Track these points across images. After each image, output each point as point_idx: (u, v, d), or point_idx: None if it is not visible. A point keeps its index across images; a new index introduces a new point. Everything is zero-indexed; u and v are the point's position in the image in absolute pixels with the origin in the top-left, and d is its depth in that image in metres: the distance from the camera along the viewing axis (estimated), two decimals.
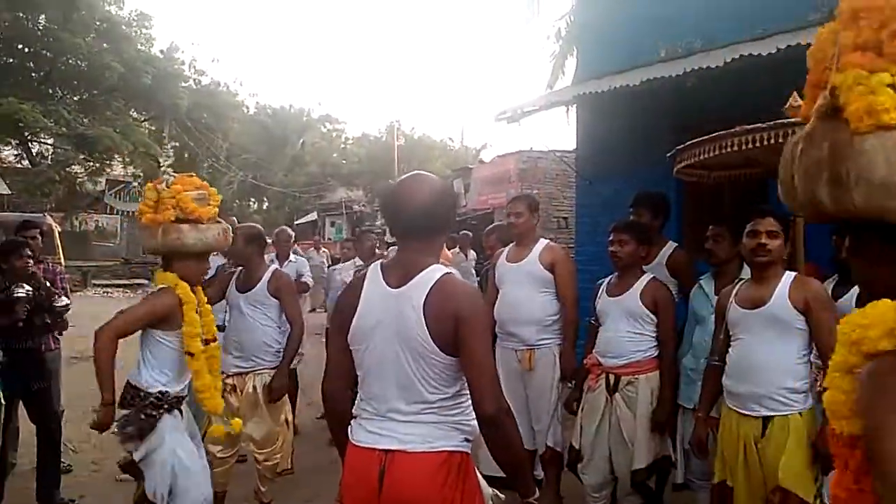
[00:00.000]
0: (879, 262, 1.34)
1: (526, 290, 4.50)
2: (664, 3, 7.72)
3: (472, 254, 12.72)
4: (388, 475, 2.12)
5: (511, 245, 4.81)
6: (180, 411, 3.58)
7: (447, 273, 2.20)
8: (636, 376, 3.90)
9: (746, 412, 3.15)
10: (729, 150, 3.46)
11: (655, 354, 3.95)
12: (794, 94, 3.50)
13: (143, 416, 3.39)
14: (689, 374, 4.02)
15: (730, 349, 3.29)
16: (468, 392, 2.14)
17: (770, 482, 3.05)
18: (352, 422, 2.29)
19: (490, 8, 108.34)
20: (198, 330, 3.54)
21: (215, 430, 3.88)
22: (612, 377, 3.96)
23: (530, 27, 33.67)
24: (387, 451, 2.14)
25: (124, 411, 3.43)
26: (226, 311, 4.65)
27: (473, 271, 11.35)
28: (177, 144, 31.45)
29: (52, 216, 16.55)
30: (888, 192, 1.22)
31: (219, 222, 3.74)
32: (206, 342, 3.69)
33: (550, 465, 4.57)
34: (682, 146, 3.91)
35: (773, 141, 3.29)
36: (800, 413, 3.06)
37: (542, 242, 4.61)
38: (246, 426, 4.27)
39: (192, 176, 3.85)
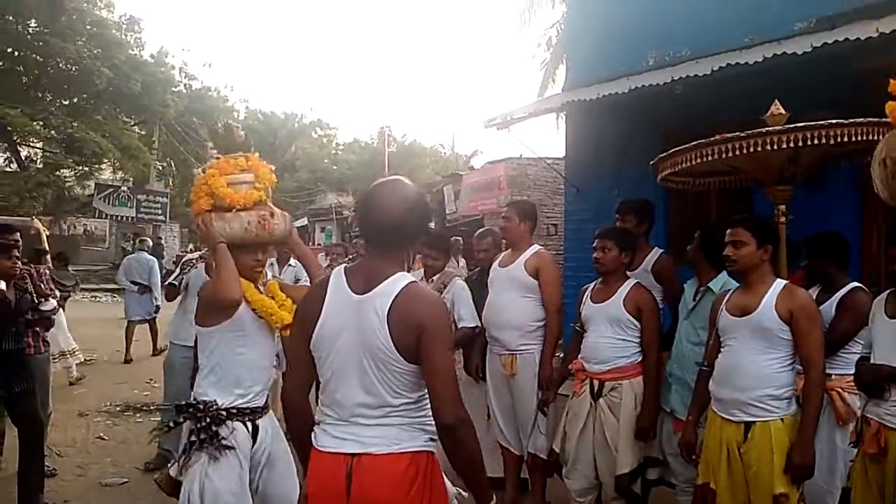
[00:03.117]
0: None
1: (510, 294, 4.52)
2: (653, 13, 7.80)
3: (462, 261, 12.71)
4: (355, 479, 2.10)
5: (507, 250, 4.83)
6: (246, 426, 3.12)
7: (412, 281, 2.19)
8: (620, 382, 3.92)
9: (729, 417, 3.18)
10: (708, 158, 3.50)
11: (639, 360, 3.96)
12: (776, 102, 3.55)
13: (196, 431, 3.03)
14: (665, 376, 4.06)
15: (719, 355, 3.33)
16: None
17: (752, 486, 3.08)
18: (315, 428, 2.27)
19: (482, 15, 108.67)
20: (270, 305, 3.18)
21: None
22: (596, 383, 3.99)
23: (522, 35, 33.82)
24: (353, 455, 2.13)
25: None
26: None
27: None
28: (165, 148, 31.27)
29: (40, 220, 16.48)
30: None
31: (268, 209, 3.27)
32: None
33: (534, 470, 4.59)
34: (663, 155, 3.95)
35: (751, 150, 3.32)
36: (781, 419, 3.08)
37: (533, 249, 4.60)
38: None
39: (239, 156, 3.34)
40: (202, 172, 3.24)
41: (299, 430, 2.33)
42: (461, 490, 2.35)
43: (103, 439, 6.44)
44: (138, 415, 7.33)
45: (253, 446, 3.13)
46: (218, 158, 3.34)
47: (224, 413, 3.05)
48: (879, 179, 1.54)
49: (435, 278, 5.04)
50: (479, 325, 4.84)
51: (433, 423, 2.16)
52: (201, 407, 3.04)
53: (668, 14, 7.58)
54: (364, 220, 2.26)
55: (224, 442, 3.00)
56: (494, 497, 2.24)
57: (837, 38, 4.86)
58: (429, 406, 2.16)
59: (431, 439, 2.20)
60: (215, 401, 3.06)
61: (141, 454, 5.83)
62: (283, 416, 2.41)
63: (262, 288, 3.33)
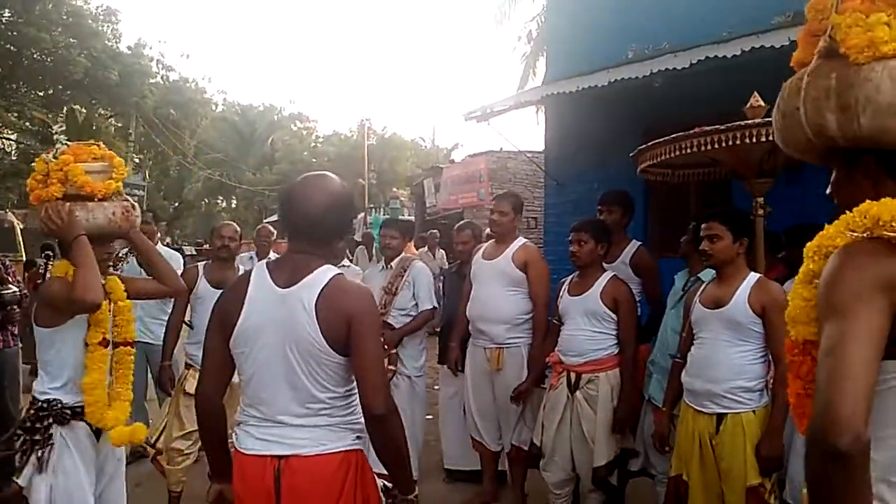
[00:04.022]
0: (867, 189, 1.48)
1: (497, 288, 4.48)
2: (633, 6, 7.80)
3: (440, 252, 12.72)
4: (284, 480, 2.09)
5: (489, 242, 4.79)
6: (89, 424, 3.05)
7: (338, 273, 2.18)
8: (596, 374, 3.93)
9: (701, 409, 3.20)
10: (688, 151, 3.50)
11: (616, 352, 3.97)
12: (755, 94, 3.56)
13: (23, 432, 2.94)
14: (647, 366, 4.08)
15: (692, 347, 3.34)
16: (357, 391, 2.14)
17: (725, 478, 3.10)
18: (236, 429, 2.24)
19: (462, 8, 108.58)
20: (100, 317, 3.03)
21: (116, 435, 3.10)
22: (572, 375, 3.98)
23: (502, 28, 33.80)
24: (280, 457, 2.11)
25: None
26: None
27: (440, 270, 11.34)
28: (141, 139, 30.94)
29: (14, 213, 16.23)
30: (892, 113, 1.39)
31: (125, 200, 3.20)
32: (116, 345, 3.17)
33: (516, 463, 4.58)
34: (643, 147, 3.94)
35: (730, 142, 3.33)
36: (753, 411, 3.11)
37: (519, 242, 4.57)
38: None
39: (91, 144, 3.25)
40: (53, 158, 3.05)
41: (214, 434, 2.30)
42: (386, 482, 2.34)
43: None
44: None
45: (99, 441, 3.09)
46: (68, 145, 3.22)
47: (69, 412, 2.99)
48: (776, 124, 1.62)
49: (394, 263, 5.06)
50: (437, 306, 5.08)
51: (359, 421, 2.16)
52: (45, 406, 2.97)
53: (648, 7, 7.59)
54: (286, 216, 2.24)
55: (54, 443, 2.94)
56: (417, 489, 2.25)
57: None
58: (355, 404, 2.16)
59: (358, 437, 2.19)
60: (59, 399, 2.99)
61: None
62: (196, 418, 2.32)
63: (103, 280, 3.16)
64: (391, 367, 4.79)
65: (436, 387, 6.16)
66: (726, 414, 3.12)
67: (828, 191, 1.63)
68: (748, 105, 3.53)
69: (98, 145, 3.24)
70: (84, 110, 26.77)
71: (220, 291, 4.19)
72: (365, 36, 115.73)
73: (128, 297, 3.23)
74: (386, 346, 4.75)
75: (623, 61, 6.87)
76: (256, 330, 2.14)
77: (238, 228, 4.67)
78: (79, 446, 2.99)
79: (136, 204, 3.23)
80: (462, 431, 5.02)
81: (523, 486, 4.61)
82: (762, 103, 3.52)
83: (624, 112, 7.21)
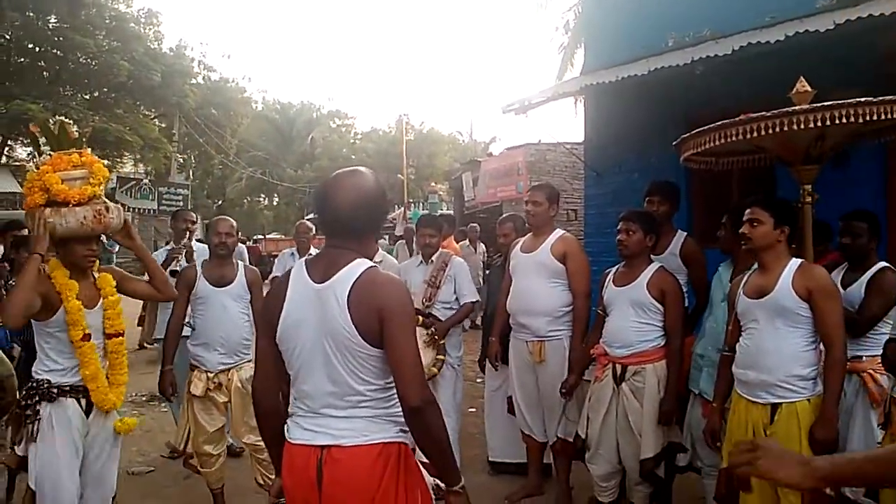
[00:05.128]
0: None
1: (537, 280, 4.47)
2: None
3: (481, 246, 12.73)
4: (326, 470, 2.12)
5: (527, 235, 4.78)
6: (79, 402, 3.37)
7: (371, 266, 2.18)
8: (643, 366, 3.89)
9: (755, 399, 3.16)
10: (734, 138, 3.45)
11: (662, 344, 3.92)
12: (802, 79, 3.49)
13: (18, 409, 3.36)
14: (696, 359, 4.03)
15: (740, 338, 3.30)
16: None
17: None
18: (287, 420, 2.28)
19: (499, 0, 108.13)
20: (75, 317, 3.29)
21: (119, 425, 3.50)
22: (618, 367, 3.95)
23: (539, 19, 33.52)
24: (322, 447, 2.14)
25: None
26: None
27: (482, 264, 11.34)
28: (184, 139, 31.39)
29: None
30: None
31: (100, 203, 3.38)
32: (110, 336, 3.47)
33: (561, 455, 4.57)
34: (687, 135, 3.89)
35: (777, 129, 3.26)
36: (808, 399, 3.06)
37: (558, 233, 4.54)
38: (243, 419, 4.28)
39: (72, 152, 3.45)
40: (35, 168, 3.34)
41: (270, 429, 2.35)
42: (438, 481, 2.34)
43: None
44: (163, 404, 7.38)
45: (89, 418, 3.40)
46: (51, 155, 3.43)
47: (56, 391, 3.31)
48: None
49: (434, 258, 5.22)
50: (479, 299, 5.35)
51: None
52: (34, 386, 3.32)
53: None
54: (321, 210, 2.26)
55: (42, 418, 3.26)
56: (463, 479, 2.23)
57: (860, 14, 4.76)
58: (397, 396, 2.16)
59: (402, 430, 2.19)
60: (48, 380, 3.32)
61: (166, 442, 5.90)
62: (254, 415, 2.40)
63: (95, 275, 3.48)
64: (440, 356, 4.88)
65: (478, 380, 6.16)
66: (781, 403, 3.08)
67: None
68: (794, 90, 3.46)
69: (80, 153, 3.46)
70: (65, 119, 27.31)
71: (220, 290, 4.35)
72: (401, 32, 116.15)
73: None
74: (437, 337, 4.89)
75: (663, 49, 6.78)
76: (296, 326, 2.18)
77: (234, 223, 4.59)
78: (63, 421, 3.30)
79: (111, 206, 3.41)
80: (506, 424, 5.03)
81: (568, 479, 4.60)
82: (809, 88, 3.45)
83: (665, 101, 7.12)
